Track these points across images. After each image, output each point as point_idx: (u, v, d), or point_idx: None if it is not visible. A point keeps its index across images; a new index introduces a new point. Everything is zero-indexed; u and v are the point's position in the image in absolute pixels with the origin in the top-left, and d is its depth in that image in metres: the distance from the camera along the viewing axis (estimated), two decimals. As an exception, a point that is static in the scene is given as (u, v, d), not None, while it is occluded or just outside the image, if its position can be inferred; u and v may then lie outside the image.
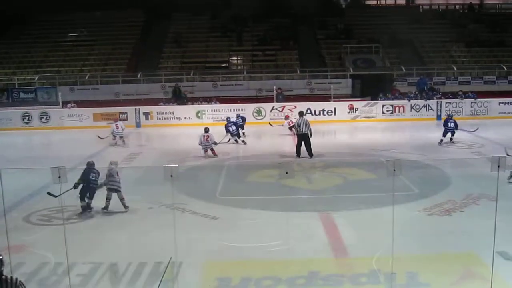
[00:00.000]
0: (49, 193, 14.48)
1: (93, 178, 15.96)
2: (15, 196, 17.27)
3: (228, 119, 28.65)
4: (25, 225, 15.30)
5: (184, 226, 14.03)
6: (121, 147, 27.70)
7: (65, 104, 35.74)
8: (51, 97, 36.99)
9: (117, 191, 16.19)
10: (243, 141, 27.79)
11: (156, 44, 43.44)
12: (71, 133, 32.77)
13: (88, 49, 43.57)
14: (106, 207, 16.16)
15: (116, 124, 28.32)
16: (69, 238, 11.63)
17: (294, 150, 23.50)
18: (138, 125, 33.93)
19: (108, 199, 16.17)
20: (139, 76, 38.42)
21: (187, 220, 14.80)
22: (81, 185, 15.80)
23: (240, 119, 29.57)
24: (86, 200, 16.03)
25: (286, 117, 32.09)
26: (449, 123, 26.50)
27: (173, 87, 36.94)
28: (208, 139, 24.06)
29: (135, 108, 34.34)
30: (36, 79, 39.21)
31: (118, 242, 13.92)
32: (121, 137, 28.07)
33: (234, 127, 27.66)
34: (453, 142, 26.46)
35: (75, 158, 24.14)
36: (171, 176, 8.83)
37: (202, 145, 24.16)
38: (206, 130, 24.44)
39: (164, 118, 34.20)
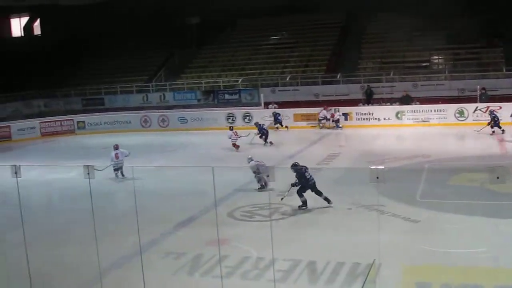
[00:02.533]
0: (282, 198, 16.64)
1: (308, 176, 16.57)
2: (220, 192, 18.07)
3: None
4: (229, 220, 16.03)
5: (384, 228, 13.86)
6: (320, 147, 28.11)
7: (266, 105, 36.82)
8: (253, 98, 38.43)
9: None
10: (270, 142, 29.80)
11: (355, 44, 43.34)
12: (272, 133, 33.52)
13: (289, 51, 44.55)
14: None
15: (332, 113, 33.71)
16: (271, 234, 11.96)
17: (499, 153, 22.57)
18: (337, 125, 34.09)
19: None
20: (338, 77, 38.54)
21: (387, 222, 14.59)
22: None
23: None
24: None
25: (325, 108, 34.05)
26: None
27: (365, 88, 36.66)
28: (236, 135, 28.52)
29: (335, 109, 34.50)
30: (239, 81, 40.82)
31: (317, 240, 14.10)
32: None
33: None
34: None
35: (276, 157, 24.88)
36: (377, 178, 8.68)
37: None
38: (231, 128, 29.40)
39: (363, 119, 34.06)
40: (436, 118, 32.71)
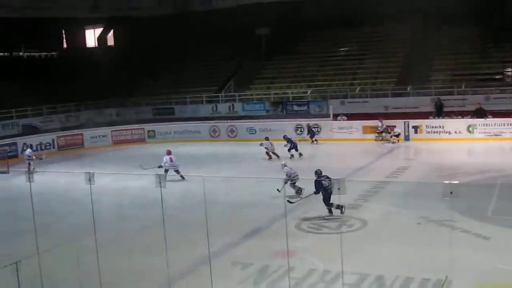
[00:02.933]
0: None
1: (326, 185, 17.03)
2: (288, 203, 18.10)
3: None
4: (296, 232, 16.03)
5: (454, 244, 13.58)
6: (389, 160, 27.83)
7: (335, 116, 36.69)
8: (322, 109, 38.35)
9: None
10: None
11: (426, 56, 42.72)
12: (341, 145, 33.51)
13: (358, 63, 44.29)
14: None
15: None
16: (337, 247, 11.91)
17: None
18: (406, 138, 33.67)
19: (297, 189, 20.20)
20: (408, 89, 38.03)
21: (457, 238, 14.29)
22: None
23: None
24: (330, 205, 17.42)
25: (380, 120, 34.38)
26: None
27: (435, 101, 35.92)
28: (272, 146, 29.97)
29: (404, 122, 34.11)
30: (308, 93, 40.79)
31: (385, 254, 13.96)
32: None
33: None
34: None
35: (344, 170, 24.71)
36: (451, 192, 8.51)
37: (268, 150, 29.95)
38: (267, 138, 30.67)
39: (434, 132, 33.49)
40: (509, 132, 31.90)
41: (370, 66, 43.32)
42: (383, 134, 34.07)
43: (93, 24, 60.11)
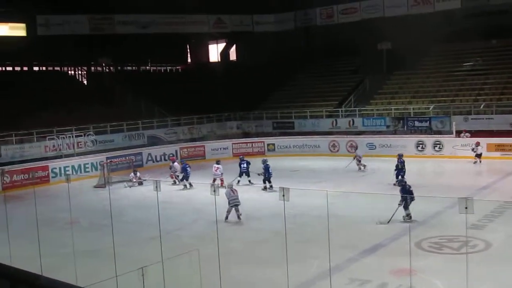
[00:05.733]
0: None
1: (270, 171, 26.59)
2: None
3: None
4: (417, 251, 15.74)
5: None
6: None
7: (458, 133, 35.65)
8: (444, 126, 37.34)
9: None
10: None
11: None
12: (464, 162, 32.55)
13: (484, 78, 42.82)
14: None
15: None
16: (459, 268, 11.62)
17: None
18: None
19: (228, 211, 20.31)
20: (537, 105, 36.41)
21: None
22: None
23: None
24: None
25: (477, 144, 32.63)
26: None
27: None
28: (218, 170, 28.42)
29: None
30: (430, 108, 39.89)
31: (509, 278, 13.48)
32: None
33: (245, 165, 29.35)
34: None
35: (468, 188, 24.02)
36: None
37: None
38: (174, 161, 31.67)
39: None
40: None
41: (496, 81, 41.76)
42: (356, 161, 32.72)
43: (216, 39, 61.91)
